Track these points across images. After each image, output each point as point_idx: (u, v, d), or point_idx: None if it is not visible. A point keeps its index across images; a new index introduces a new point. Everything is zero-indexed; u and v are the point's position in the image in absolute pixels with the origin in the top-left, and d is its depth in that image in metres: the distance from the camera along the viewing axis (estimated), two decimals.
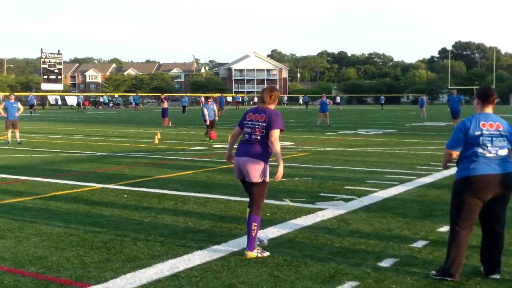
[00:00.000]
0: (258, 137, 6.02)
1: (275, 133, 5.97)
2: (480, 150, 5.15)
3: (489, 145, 5.14)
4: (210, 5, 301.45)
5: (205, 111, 21.93)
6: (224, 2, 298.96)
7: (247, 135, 6.11)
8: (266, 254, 5.98)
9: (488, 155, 5.14)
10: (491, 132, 5.16)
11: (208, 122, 21.79)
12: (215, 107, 22.81)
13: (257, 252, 5.95)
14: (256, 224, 5.93)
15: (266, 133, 6.01)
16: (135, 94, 77.95)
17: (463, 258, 5.27)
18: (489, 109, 5.34)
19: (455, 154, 5.30)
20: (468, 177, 5.15)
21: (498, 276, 5.29)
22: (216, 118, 22.27)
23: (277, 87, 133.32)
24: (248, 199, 6.35)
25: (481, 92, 5.39)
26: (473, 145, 5.16)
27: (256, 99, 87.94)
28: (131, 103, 79.52)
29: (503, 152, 5.19)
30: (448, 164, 5.51)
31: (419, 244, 6.48)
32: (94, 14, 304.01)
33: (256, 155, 5.99)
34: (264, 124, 6.02)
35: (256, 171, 5.96)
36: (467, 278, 5.26)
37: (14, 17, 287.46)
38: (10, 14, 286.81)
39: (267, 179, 6.06)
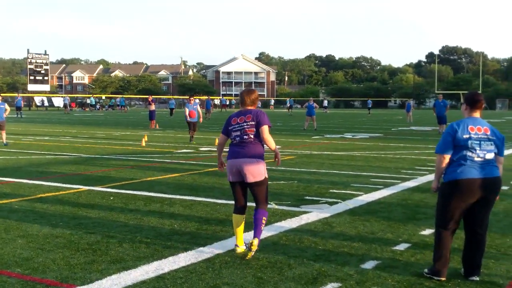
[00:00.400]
0: (251, 136, 6.11)
1: (266, 129, 6.11)
2: (468, 154, 5.26)
3: (477, 148, 5.26)
4: (199, 7, 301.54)
5: (186, 111, 21.95)
6: (212, 4, 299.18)
7: (238, 138, 6.18)
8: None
9: (476, 158, 5.26)
10: (479, 136, 5.28)
11: (188, 119, 21.71)
12: (199, 108, 22.54)
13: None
14: (265, 217, 6.14)
15: (257, 132, 6.11)
16: (121, 96, 77.85)
17: (448, 259, 5.40)
18: (477, 114, 5.46)
19: (447, 157, 5.38)
20: (455, 180, 5.26)
21: (477, 278, 5.41)
22: (201, 119, 22.14)
23: (265, 90, 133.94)
24: (233, 202, 6.44)
25: (469, 97, 5.51)
26: (462, 148, 5.28)
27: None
28: (118, 105, 79.37)
29: (490, 156, 5.31)
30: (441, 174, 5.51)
31: (402, 247, 6.59)
32: (81, 15, 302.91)
33: (253, 155, 6.08)
34: (253, 123, 6.12)
35: (257, 171, 6.07)
36: (448, 279, 5.37)
37: (0, 16, 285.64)
38: None
39: (267, 175, 6.23)
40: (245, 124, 6.15)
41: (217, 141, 21.17)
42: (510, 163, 15.44)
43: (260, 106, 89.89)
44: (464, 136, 5.26)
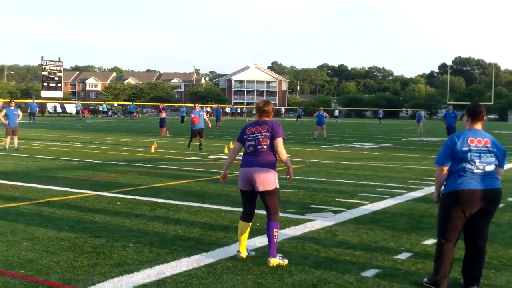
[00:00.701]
0: (264, 147, 6.21)
1: (280, 142, 6.23)
2: (468, 166, 5.29)
3: (477, 160, 5.28)
4: (212, 15, 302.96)
5: (192, 116, 22.28)
6: (226, 13, 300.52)
7: (252, 147, 6.27)
8: (286, 260, 6.15)
9: (475, 170, 5.29)
10: (479, 148, 5.31)
11: (193, 127, 22.04)
12: (205, 115, 22.77)
13: (280, 259, 6.12)
14: (277, 230, 6.14)
15: (271, 143, 6.22)
16: (131, 103, 78.35)
17: (448, 270, 5.41)
18: (478, 126, 5.49)
19: (446, 169, 5.43)
20: (455, 191, 5.29)
21: None
22: (209, 125, 22.37)
23: (277, 99, 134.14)
24: (238, 209, 6.51)
25: (471, 109, 5.54)
26: (461, 161, 5.31)
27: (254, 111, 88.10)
28: (132, 112, 79.81)
29: (490, 168, 5.34)
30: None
31: (403, 256, 6.61)
32: (96, 22, 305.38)
33: (266, 164, 6.16)
34: (267, 134, 6.23)
35: (268, 180, 6.13)
36: None
37: (16, 23, 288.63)
38: (12, 20, 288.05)
39: (278, 186, 6.28)
40: (259, 134, 6.25)
41: (226, 149, 21.53)
42: None
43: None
44: (464, 149, 5.29)
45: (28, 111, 53.75)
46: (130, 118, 71.32)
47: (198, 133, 22.12)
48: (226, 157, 6.41)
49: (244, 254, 6.30)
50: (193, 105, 23.90)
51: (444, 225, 5.39)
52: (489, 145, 5.34)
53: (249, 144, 6.31)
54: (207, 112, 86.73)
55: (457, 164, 5.33)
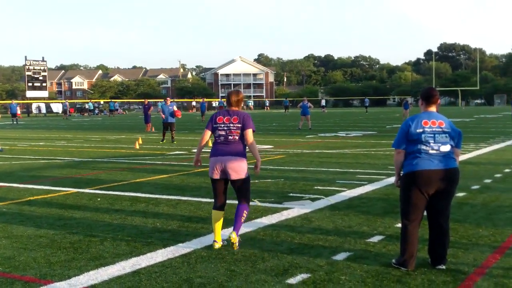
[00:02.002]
0: (236, 137, 6.37)
1: (250, 133, 6.39)
2: (422, 147, 5.45)
3: (431, 141, 5.45)
4: (196, 10, 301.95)
5: (160, 110, 23.08)
6: (210, 7, 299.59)
7: (223, 137, 6.41)
8: (238, 245, 6.36)
9: (430, 151, 5.44)
10: (434, 129, 5.47)
11: (165, 121, 23.04)
12: (175, 108, 23.57)
13: (238, 239, 6.35)
14: (246, 212, 6.39)
15: (241, 134, 6.37)
16: (110, 100, 78.73)
17: (414, 250, 5.55)
18: (432, 108, 5.66)
19: (402, 152, 5.60)
20: (411, 172, 5.46)
21: (444, 267, 5.57)
22: (179, 114, 23.18)
23: (264, 91, 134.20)
24: (212, 200, 6.65)
25: (424, 93, 5.72)
26: (416, 142, 5.48)
27: (251, 103, 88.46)
28: (117, 110, 79.76)
29: (446, 148, 5.49)
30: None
31: (375, 239, 6.77)
32: (80, 21, 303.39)
33: (237, 153, 6.33)
34: (239, 125, 6.38)
35: (242, 168, 6.32)
36: (415, 268, 5.54)
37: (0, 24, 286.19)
38: None
39: (248, 173, 6.47)
40: (231, 125, 6.39)
41: (210, 142, 21.42)
42: (497, 157, 15.65)
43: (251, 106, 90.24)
44: (418, 131, 5.46)
45: (9, 112, 53.33)
46: (112, 115, 71.37)
47: (169, 126, 22.94)
48: (209, 150, 6.51)
49: (219, 243, 6.44)
50: (163, 100, 24.78)
51: (405, 206, 5.54)
52: (443, 125, 5.50)
53: (220, 133, 6.44)
54: (193, 107, 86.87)
55: (413, 146, 5.49)
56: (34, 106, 78.09)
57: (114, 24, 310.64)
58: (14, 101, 58.79)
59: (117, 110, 78.76)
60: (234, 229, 6.33)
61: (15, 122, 49.66)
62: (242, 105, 6.71)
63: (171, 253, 6.23)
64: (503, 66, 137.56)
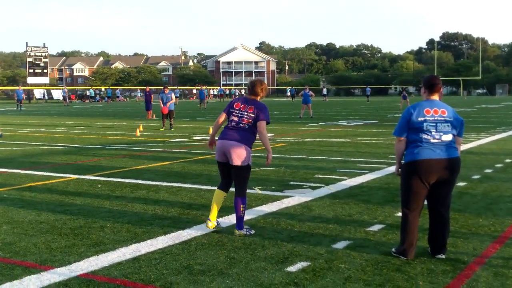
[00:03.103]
0: (246, 126, 6.40)
1: (263, 124, 6.40)
2: (424, 136, 5.43)
3: (433, 130, 5.42)
4: None
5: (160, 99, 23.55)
6: None
7: (234, 123, 6.46)
8: (253, 231, 6.45)
9: (432, 140, 5.42)
10: (436, 118, 5.44)
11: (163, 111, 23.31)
12: (173, 96, 23.86)
13: (246, 231, 6.39)
14: (243, 205, 6.37)
15: (254, 123, 6.40)
16: (107, 87, 79.12)
17: (414, 239, 5.55)
18: (435, 97, 5.62)
19: (403, 140, 5.58)
20: (412, 161, 5.44)
21: (443, 256, 5.58)
22: (176, 100, 23.76)
23: (265, 79, 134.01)
24: (217, 187, 6.68)
25: (427, 81, 5.68)
26: (417, 131, 5.45)
27: (243, 92, 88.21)
28: (118, 97, 79.79)
29: (448, 137, 5.46)
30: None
31: (376, 227, 6.77)
32: (81, 7, 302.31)
33: (243, 140, 6.34)
34: (252, 115, 6.41)
35: (241, 155, 6.31)
36: (414, 257, 5.55)
37: (0, 10, 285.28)
38: None
39: (251, 163, 6.46)
40: (245, 113, 6.44)
41: (210, 130, 21.60)
42: (498, 147, 15.64)
43: None
44: (419, 119, 5.43)
45: (15, 98, 53.34)
46: (109, 102, 71.59)
47: (168, 113, 23.12)
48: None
49: (213, 223, 6.51)
50: (163, 87, 24.80)
51: (405, 195, 5.54)
52: (445, 114, 5.47)
53: (233, 119, 6.49)
54: (194, 94, 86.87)
55: (414, 134, 5.47)
56: (38, 92, 77.87)
57: (115, 10, 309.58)
58: (21, 87, 58.68)
59: (118, 97, 78.72)
60: (236, 226, 6.40)
61: (19, 108, 49.50)
62: (264, 95, 6.70)
63: (171, 240, 6.24)
64: (506, 55, 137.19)
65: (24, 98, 57.39)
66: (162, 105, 23.68)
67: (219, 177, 6.74)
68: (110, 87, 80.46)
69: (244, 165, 6.37)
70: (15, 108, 49.88)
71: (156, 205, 8.12)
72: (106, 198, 8.67)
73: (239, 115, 6.46)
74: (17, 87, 63.40)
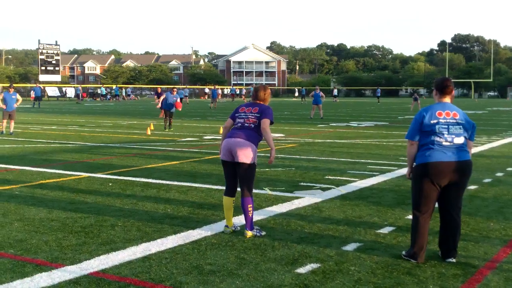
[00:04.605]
0: (252, 125, 6.47)
1: (267, 122, 6.46)
2: (436, 139, 5.41)
3: (445, 133, 5.40)
4: None
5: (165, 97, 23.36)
6: None
7: (240, 124, 6.56)
8: (264, 233, 6.47)
9: (444, 143, 5.40)
10: (448, 121, 5.43)
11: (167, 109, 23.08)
12: (179, 100, 23.97)
13: (256, 231, 6.42)
14: (251, 205, 6.38)
15: (259, 123, 6.47)
16: (115, 85, 79.80)
17: (425, 242, 5.53)
18: (446, 99, 5.61)
19: (415, 143, 5.57)
20: (424, 163, 5.43)
21: (454, 260, 5.56)
22: (179, 107, 23.49)
23: (276, 79, 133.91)
24: (224, 187, 6.69)
25: (439, 83, 5.66)
26: (430, 134, 5.43)
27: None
28: (129, 95, 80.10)
29: (460, 140, 5.44)
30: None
31: (386, 230, 6.75)
32: (93, 5, 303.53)
33: (248, 138, 6.39)
34: (257, 115, 6.50)
35: (247, 153, 6.34)
36: (425, 260, 5.53)
37: (13, 7, 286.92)
38: (9, 3, 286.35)
39: (256, 162, 6.50)
40: (250, 114, 6.56)
41: (221, 130, 21.65)
42: (510, 150, 15.56)
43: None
44: (432, 122, 5.42)
45: (33, 95, 53.29)
46: (117, 100, 71.94)
47: (169, 113, 23.05)
48: (221, 137, 6.59)
49: (231, 229, 6.54)
50: (172, 87, 25.00)
51: (417, 197, 5.52)
52: (457, 117, 5.45)
53: (239, 120, 6.61)
54: (206, 94, 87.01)
55: (426, 137, 5.45)
56: (50, 90, 78.05)
57: (127, 9, 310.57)
58: (38, 85, 58.84)
59: (129, 95, 79.03)
60: (246, 227, 6.42)
61: (37, 106, 49.31)
62: (268, 101, 6.79)
63: (182, 239, 6.26)
64: None
65: (33, 96, 57.15)
66: (159, 101, 23.81)
67: (225, 180, 6.72)
68: (118, 86, 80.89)
69: (250, 163, 6.40)
70: (32, 106, 49.79)
71: (166, 204, 8.15)
72: (117, 196, 8.71)
73: (244, 116, 6.59)
74: (34, 85, 63.55)
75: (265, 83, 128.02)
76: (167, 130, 22.44)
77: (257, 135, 6.49)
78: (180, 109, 24.91)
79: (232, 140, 6.42)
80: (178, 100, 23.43)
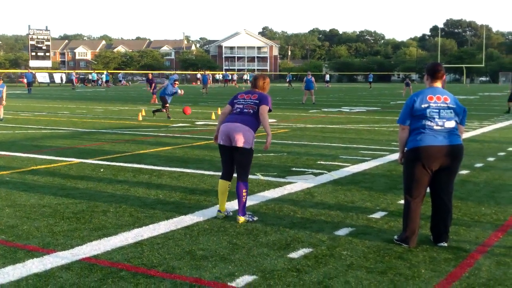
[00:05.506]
0: (251, 111, 6.50)
1: (265, 108, 6.50)
2: (427, 123, 5.41)
3: (436, 117, 5.40)
4: None
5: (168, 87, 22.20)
6: None
7: (239, 109, 6.57)
8: (256, 218, 6.48)
9: (435, 127, 5.40)
10: (439, 105, 5.43)
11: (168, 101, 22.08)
12: (179, 92, 22.84)
13: (248, 217, 6.42)
14: (246, 190, 6.39)
15: (258, 109, 6.51)
16: (105, 71, 79.34)
17: (416, 226, 5.54)
18: (437, 84, 5.61)
19: (407, 128, 5.56)
20: (415, 148, 5.43)
21: (446, 244, 5.58)
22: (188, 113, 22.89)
23: (268, 64, 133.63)
24: (219, 173, 6.67)
25: (430, 68, 5.65)
26: (421, 118, 5.43)
27: (245, 77, 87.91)
28: (120, 81, 79.67)
29: (451, 124, 5.44)
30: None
31: (378, 215, 6.77)
32: None
33: (247, 124, 6.41)
34: (256, 102, 6.54)
35: (245, 137, 6.35)
36: (417, 245, 5.55)
37: None
38: None
39: (253, 147, 6.51)
40: (249, 100, 6.59)
41: (213, 115, 21.68)
42: (501, 135, 15.61)
43: None
44: (422, 106, 5.42)
45: (25, 81, 53.01)
46: (106, 86, 71.56)
47: (164, 102, 22.38)
48: (213, 123, 6.57)
49: (223, 214, 6.54)
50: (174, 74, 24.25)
51: (408, 182, 5.52)
52: (448, 101, 5.45)
53: (237, 106, 6.62)
54: (197, 79, 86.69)
55: (417, 121, 5.45)
56: (41, 76, 77.48)
57: None
58: (30, 71, 58.45)
59: (120, 81, 78.65)
60: (238, 212, 6.41)
61: (29, 92, 49.02)
62: (267, 90, 6.84)
63: (174, 225, 6.25)
64: (509, 43, 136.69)
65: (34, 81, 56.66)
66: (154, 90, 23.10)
67: (221, 165, 6.72)
68: (108, 71, 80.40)
69: (247, 148, 6.39)
70: (27, 92, 49.47)
71: (158, 190, 8.13)
72: (108, 182, 8.68)
73: (243, 102, 6.60)
74: (25, 70, 63.13)
75: (257, 69, 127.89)
76: (171, 118, 21.66)
77: (255, 121, 6.51)
78: (187, 114, 22.91)
79: (231, 124, 6.42)
80: (179, 92, 22.46)
